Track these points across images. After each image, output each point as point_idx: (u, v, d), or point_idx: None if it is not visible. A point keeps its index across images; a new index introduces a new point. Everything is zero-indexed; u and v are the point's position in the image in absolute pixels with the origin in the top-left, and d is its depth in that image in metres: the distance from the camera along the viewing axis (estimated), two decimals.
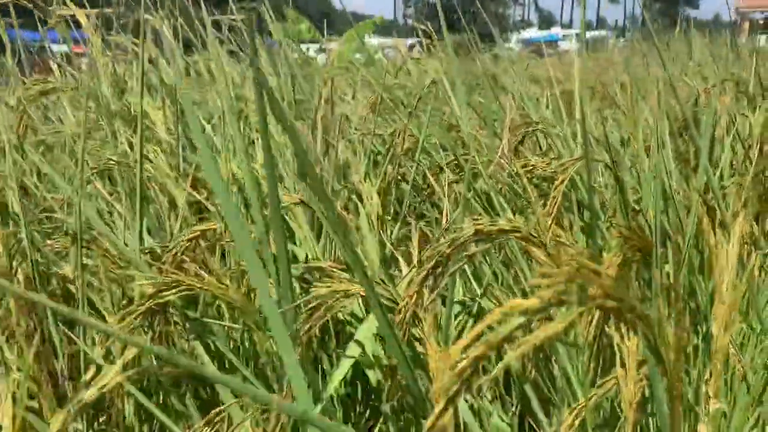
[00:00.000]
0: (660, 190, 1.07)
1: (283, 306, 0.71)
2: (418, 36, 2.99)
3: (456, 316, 0.89)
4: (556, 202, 0.76)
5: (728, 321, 0.55)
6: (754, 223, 1.20)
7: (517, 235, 0.54)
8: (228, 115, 0.71)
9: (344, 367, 0.70)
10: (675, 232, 0.97)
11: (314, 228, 0.99)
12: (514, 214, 1.05)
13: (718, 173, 1.23)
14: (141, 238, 0.76)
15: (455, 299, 0.92)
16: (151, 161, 1.00)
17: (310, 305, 0.61)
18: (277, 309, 0.48)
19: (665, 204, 1.04)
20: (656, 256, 0.65)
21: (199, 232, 0.76)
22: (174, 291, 0.70)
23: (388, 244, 0.86)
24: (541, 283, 0.33)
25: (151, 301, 0.70)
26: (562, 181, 0.77)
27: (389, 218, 1.14)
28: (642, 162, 1.10)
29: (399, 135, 1.12)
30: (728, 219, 0.86)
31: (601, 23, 62.86)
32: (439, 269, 0.55)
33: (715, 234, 0.77)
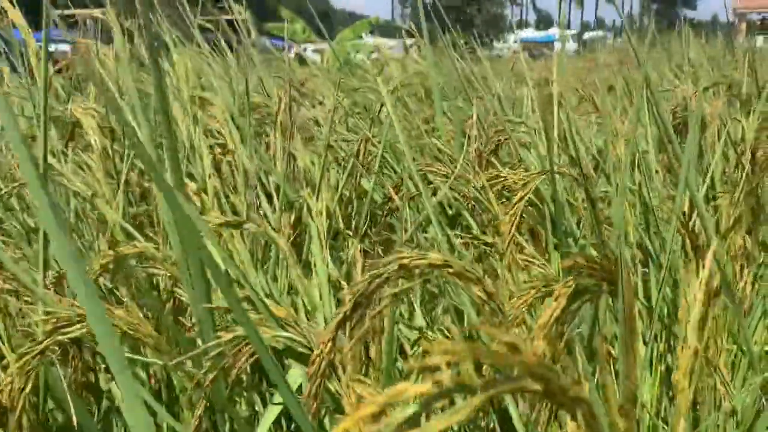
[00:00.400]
0: (640, 204, 0.98)
1: (205, 342, 0.62)
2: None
3: (414, 344, 0.80)
4: (515, 221, 0.68)
5: (693, 371, 0.47)
6: (747, 235, 1.11)
7: (450, 270, 0.45)
8: (140, 120, 0.62)
9: (273, 413, 0.61)
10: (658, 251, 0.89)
11: (266, 249, 0.90)
12: (483, 232, 0.97)
13: (707, 181, 1.14)
14: (46, 265, 0.67)
15: (412, 325, 0.83)
16: (85, 172, 0.91)
17: (217, 350, 0.52)
18: (122, 364, 0.39)
19: (646, 220, 0.95)
20: (621, 284, 0.56)
21: (112, 257, 0.67)
22: (77, 326, 0.61)
23: (336, 271, 0.77)
24: (435, 364, 0.24)
25: (50, 338, 0.61)
26: (521, 198, 0.69)
27: (350, 233, 1.06)
28: (622, 173, 1.01)
29: (361, 143, 1.03)
30: (715, 240, 0.77)
31: (599, 24, 62.71)
32: (360, 310, 0.46)
33: (688, 257, 0.68)
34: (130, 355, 0.72)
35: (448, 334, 0.72)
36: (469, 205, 0.93)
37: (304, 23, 9.68)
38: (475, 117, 0.99)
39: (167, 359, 0.62)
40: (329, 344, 0.45)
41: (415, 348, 0.75)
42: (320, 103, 1.91)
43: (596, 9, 66.49)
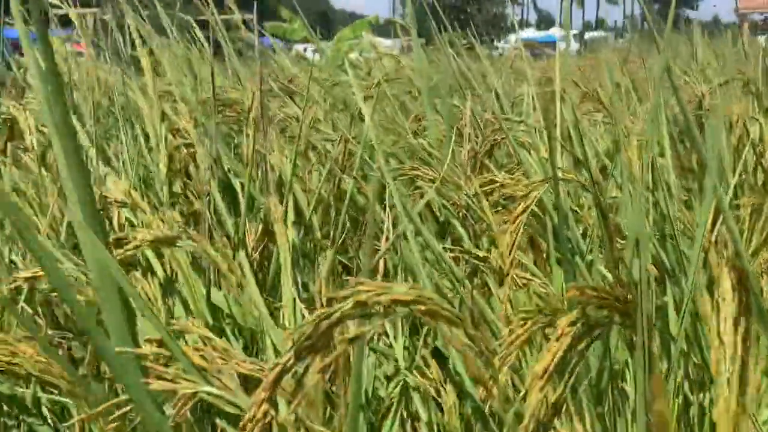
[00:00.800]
0: (656, 213, 0.87)
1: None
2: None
3: (390, 378, 0.69)
4: (515, 239, 0.56)
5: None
6: None
7: (421, 308, 0.34)
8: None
9: None
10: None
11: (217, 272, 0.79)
12: (477, 245, 0.85)
13: (730, 190, 1.03)
14: None
15: (395, 354, 0.72)
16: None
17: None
18: None
19: (661, 230, 0.84)
20: (641, 318, 0.45)
21: (23, 280, 0.56)
22: None
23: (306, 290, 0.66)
24: None
25: None
26: (524, 210, 0.57)
27: (328, 242, 0.94)
28: (637, 177, 0.90)
29: (339, 144, 0.92)
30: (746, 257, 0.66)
31: (600, 24, 62.58)
32: (308, 359, 0.35)
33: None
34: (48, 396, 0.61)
35: (427, 372, 0.61)
36: (460, 214, 0.82)
37: (302, 22, 9.56)
38: (468, 113, 0.87)
39: (82, 405, 0.50)
40: (263, 406, 0.34)
41: (393, 387, 0.64)
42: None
43: (597, 9, 66.38)
